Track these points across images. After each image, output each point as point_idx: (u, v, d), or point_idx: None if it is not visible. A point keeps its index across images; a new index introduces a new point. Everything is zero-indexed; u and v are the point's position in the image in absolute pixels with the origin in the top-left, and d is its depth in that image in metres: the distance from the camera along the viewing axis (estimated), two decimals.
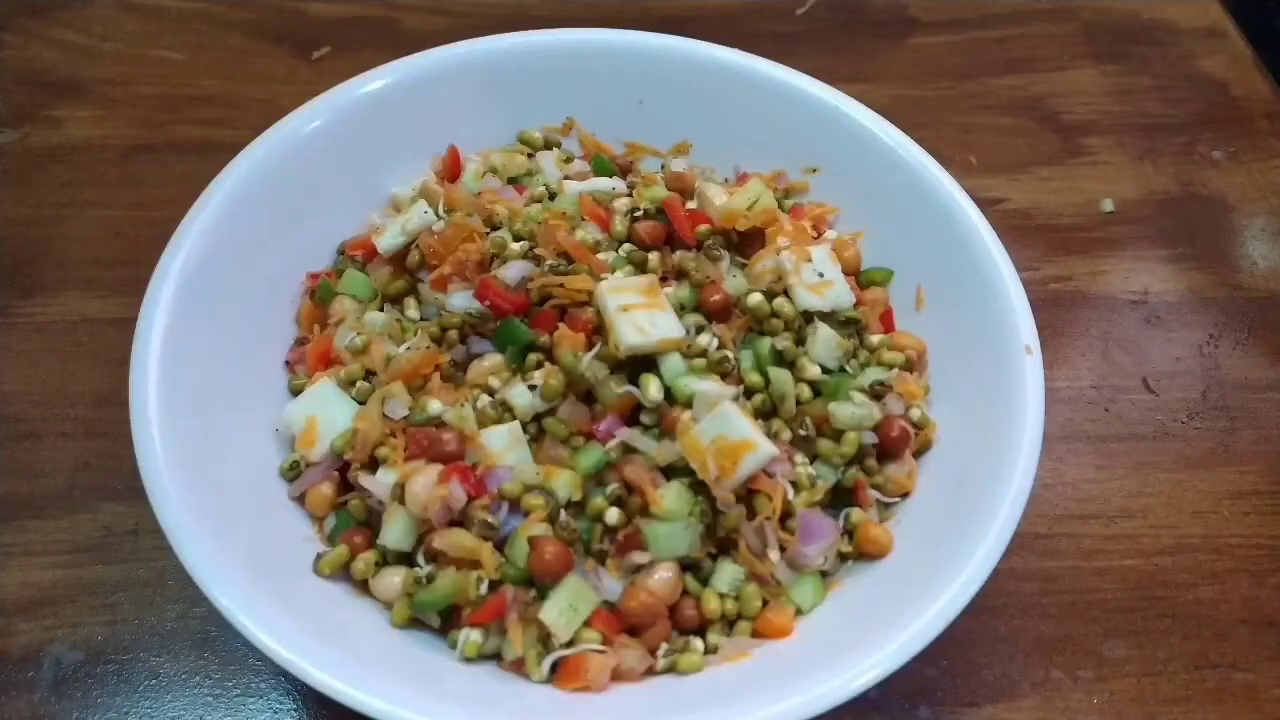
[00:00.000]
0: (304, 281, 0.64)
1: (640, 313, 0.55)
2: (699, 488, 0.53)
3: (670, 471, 0.54)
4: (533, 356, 0.56)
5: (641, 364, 0.55)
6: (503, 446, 0.54)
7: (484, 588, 0.51)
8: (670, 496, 0.52)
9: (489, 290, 0.57)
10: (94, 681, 0.57)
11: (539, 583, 0.51)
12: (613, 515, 0.53)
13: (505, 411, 0.56)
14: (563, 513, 0.53)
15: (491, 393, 0.56)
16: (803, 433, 0.56)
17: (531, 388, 0.55)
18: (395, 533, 0.53)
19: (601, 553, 0.53)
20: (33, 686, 0.57)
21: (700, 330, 0.57)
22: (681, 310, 0.57)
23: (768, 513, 0.53)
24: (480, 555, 0.52)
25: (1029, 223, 0.83)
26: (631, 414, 0.56)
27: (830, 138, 0.68)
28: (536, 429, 0.56)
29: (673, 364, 0.55)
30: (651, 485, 0.53)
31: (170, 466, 0.51)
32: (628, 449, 0.54)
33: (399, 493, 0.53)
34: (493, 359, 0.57)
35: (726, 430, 0.52)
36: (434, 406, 0.56)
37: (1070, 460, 0.69)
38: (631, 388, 0.55)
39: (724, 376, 0.55)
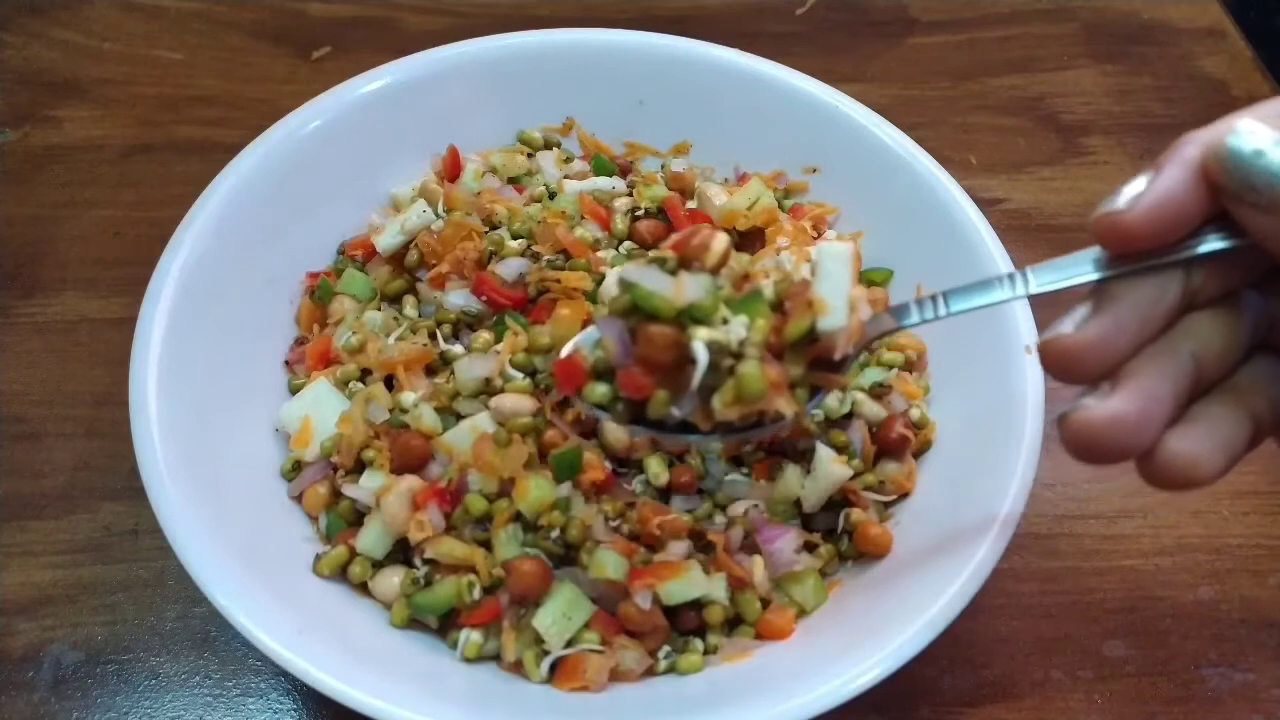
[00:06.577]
0: (304, 281, 0.64)
1: None
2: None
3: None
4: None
5: None
6: (466, 445, 0.52)
7: (476, 593, 0.51)
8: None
9: (485, 285, 0.57)
10: (94, 681, 0.57)
11: (523, 602, 0.51)
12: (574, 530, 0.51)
13: (456, 396, 0.54)
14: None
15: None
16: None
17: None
18: (368, 539, 0.53)
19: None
20: (33, 686, 0.57)
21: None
22: None
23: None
24: (474, 561, 0.51)
25: (1029, 223, 0.83)
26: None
27: (830, 138, 0.68)
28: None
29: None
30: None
31: (170, 466, 0.50)
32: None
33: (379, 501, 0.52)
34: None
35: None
36: (407, 398, 0.55)
37: (1070, 460, 0.68)
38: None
39: None
